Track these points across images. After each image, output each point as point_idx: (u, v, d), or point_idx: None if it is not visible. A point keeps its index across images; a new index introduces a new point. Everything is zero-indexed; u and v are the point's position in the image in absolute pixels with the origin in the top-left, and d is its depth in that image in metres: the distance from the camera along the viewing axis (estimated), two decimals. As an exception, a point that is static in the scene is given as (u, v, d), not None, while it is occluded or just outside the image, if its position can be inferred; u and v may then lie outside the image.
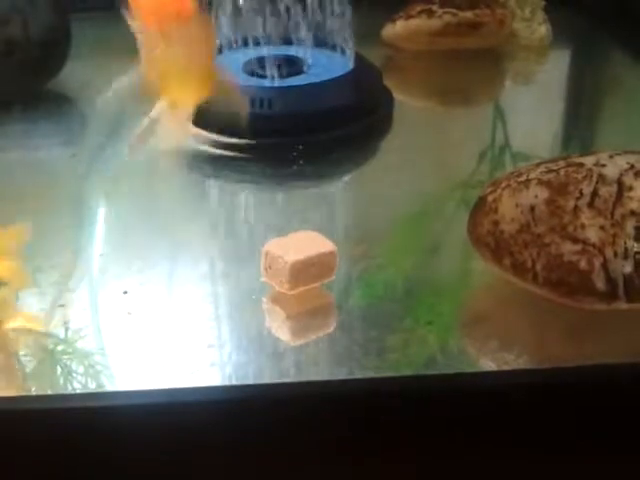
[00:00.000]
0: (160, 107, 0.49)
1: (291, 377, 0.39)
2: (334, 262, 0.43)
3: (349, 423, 0.36)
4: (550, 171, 0.41)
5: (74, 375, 0.39)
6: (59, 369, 0.40)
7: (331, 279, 0.43)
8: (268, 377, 0.39)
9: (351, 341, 0.41)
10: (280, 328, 0.42)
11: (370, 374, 0.39)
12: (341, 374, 0.39)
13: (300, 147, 0.58)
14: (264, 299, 0.43)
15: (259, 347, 0.41)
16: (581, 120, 0.69)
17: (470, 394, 0.36)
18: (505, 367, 0.40)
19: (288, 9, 0.60)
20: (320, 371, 0.40)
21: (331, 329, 0.42)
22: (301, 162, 0.57)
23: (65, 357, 0.40)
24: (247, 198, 0.55)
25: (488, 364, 0.41)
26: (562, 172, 0.41)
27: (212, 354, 0.40)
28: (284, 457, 0.36)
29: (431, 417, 0.36)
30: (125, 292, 0.44)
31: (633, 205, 0.39)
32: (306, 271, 0.42)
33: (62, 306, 0.43)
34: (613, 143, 0.62)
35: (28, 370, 0.40)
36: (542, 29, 0.77)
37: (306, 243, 0.43)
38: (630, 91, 0.72)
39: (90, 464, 0.35)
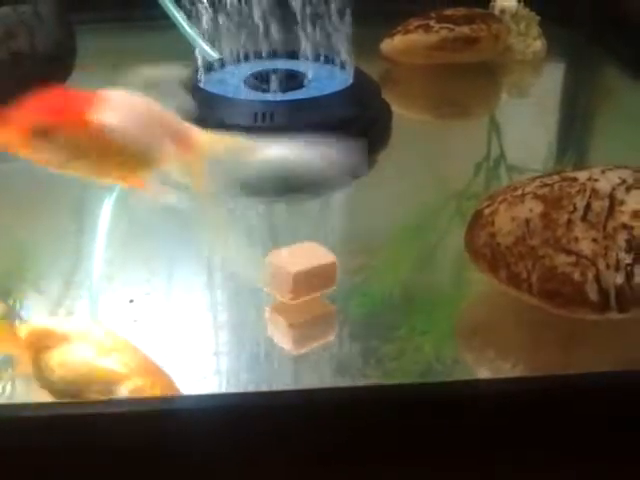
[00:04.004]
0: None
1: (293, 385, 0.40)
2: (334, 273, 0.44)
3: (348, 430, 0.36)
4: (545, 185, 0.42)
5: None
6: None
7: (331, 289, 0.44)
8: (270, 385, 0.40)
9: (350, 350, 0.42)
10: (282, 337, 0.43)
11: (369, 382, 0.40)
12: (341, 382, 0.40)
13: (301, 159, 0.58)
14: (267, 308, 0.44)
15: (262, 355, 0.42)
16: (575, 133, 0.70)
17: (466, 402, 0.37)
18: (500, 376, 0.41)
19: (289, 24, 0.61)
20: (321, 379, 0.40)
21: (331, 338, 0.43)
22: (302, 174, 0.58)
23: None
24: (249, 209, 0.56)
25: (484, 372, 0.42)
26: (556, 187, 0.42)
27: (216, 362, 0.41)
28: (285, 464, 0.37)
29: (428, 425, 0.37)
30: (131, 301, 0.45)
31: (624, 218, 0.40)
32: (308, 281, 0.43)
33: (70, 314, 0.44)
34: (606, 155, 0.63)
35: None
36: (537, 44, 0.78)
37: (307, 254, 0.44)
38: (623, 104, 0.73)
39: (92, 471, 0.36)
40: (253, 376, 0.40)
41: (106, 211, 0.55)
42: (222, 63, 0.64)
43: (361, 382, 0.40)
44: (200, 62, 0.63)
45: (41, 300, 0.45)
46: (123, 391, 0.35)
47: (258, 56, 0.63)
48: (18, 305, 0.45)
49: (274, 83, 0.61)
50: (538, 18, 0.79)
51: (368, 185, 0.60)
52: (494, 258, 0.42)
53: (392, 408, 0.36)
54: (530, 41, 0.78)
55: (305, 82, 0.63)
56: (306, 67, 0.63)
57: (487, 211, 0.43)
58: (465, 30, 0.74)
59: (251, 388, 0.40)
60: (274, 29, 0.61)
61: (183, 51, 0.68)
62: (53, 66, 0.66)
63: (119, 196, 0.57)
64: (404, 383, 0.40)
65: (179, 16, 0.72)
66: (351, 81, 0.62)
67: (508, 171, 0.60)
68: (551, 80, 0.79)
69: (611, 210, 0.40)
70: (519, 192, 0.43)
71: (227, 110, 0.59)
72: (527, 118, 0.71)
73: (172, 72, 0.42)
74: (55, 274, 0.47)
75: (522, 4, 0.79)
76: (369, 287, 0.47)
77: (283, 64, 0.64)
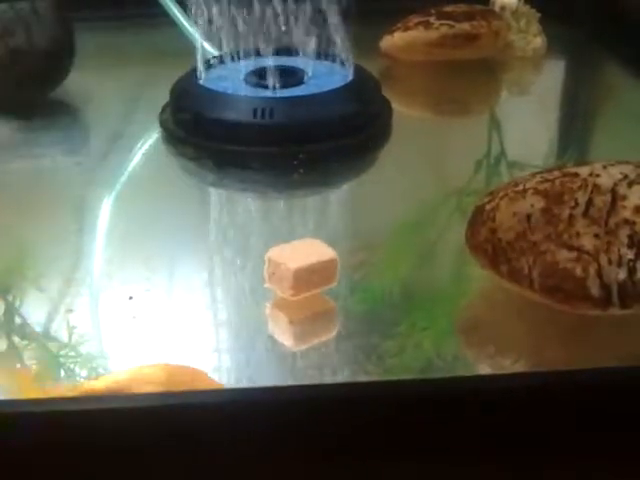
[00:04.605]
0: None
1: (293, 381, 0.40)
2: (335, 269, 0.44)
3: (349, 426, 0.36)
4: (546, 181, 0.42)
5: (78, 379, 0.40)
6: (62, 372, 0.41)
7: (332, 285, 0.44)
8: (271, 381, 0.40)
9: (351, 346, 0.42)
10: (283, 333, 0.43)
11: (369, 378, 0.40)
12: (342, 378, 0.40)
13: (301, 156, 0.58)
14: (267, 305, 0.44)
15: (263, 351, 0.41)
16: (575, 130, 0.70)
17: (467, 398, 0.37)
18: (501, 371, 0.40)
19: (289, 21, 0.61)
20: (322, 375, 0.40)
21: (332, 334, 0.43)
22: (302, 171, 0.58)
23: (69, 361, 0.41)
24: (249, 206, 0.56)
25: (484, 369, 0.41)
26: (557, 182, 0.42)
27: (217, 359, 0.41)
28: (285, 460, 0.37)
29: (429, 421, 0.37)
30: (130, 297, 0.45)
31: (626, 214, 0.40)
32: (308, 278, 0.43)
33: (70, 311, 0.44)
34: (607, 152, 0.63)
35: (32, 373, 0.40)
36: (537, 40, 0.78)
37: (308, 250, 0.44)
38: (623, 101, 0.73)
39: (92, 467, 0.36)
40: (253, 372, 0.40)
41: (106, 210, 0.55)
42: (222, 60, 0.64)
43: (362, 378, 0.40)
44: (199, 59, 0.63)
45: (41, 297, 0.45)
46: None
47: (258, 53, 0.63)
48: (18, 302, 0.45)
49: (274, 80, 0.61)
50: (538, 15, 0.79)
51: (368, 182, 0.60)
52: (495, 254, 0.42)
53: (393, 404, 0.36)
54: (530, 38, 0.78)
55: (305, 79, 0.63)
56: (306, 64, 0.63)
57: (488, 207, 0.43)
58: (465, 27, 0.73)
59: (251, 384, 0.40)
60: (274, 25, 0.61)
61: (182, 48, 0.68)
62: (51, 63, 0.66)
63: (119, 195, 0.57)
64: (405, 379, 0.40)
65: (178, 13, 0.72)
66: (351, 78, 0.62)
67: (509, 168, 0.60)
68: (551, 77, 0.79)
69: (613, 205, 0.40)
70: (520, 188, 0.43)
71: (227, 107, 0.59)
72: (527, 115, 0.71)
73: None
74: (55, 272, 0.47)
75: (522, 1, 0.79)
76: (370, 283, 0.47)
77: (283, 61, 0.64)
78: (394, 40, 0.75)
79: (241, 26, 0.61)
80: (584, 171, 0.42)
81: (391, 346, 0.41)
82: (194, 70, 0.63)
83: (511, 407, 0.36)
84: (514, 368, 0.41)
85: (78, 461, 0.35)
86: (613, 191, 0.40)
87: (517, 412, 0.36)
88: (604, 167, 0.42)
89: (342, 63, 0.63)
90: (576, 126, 0.70)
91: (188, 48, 0.66)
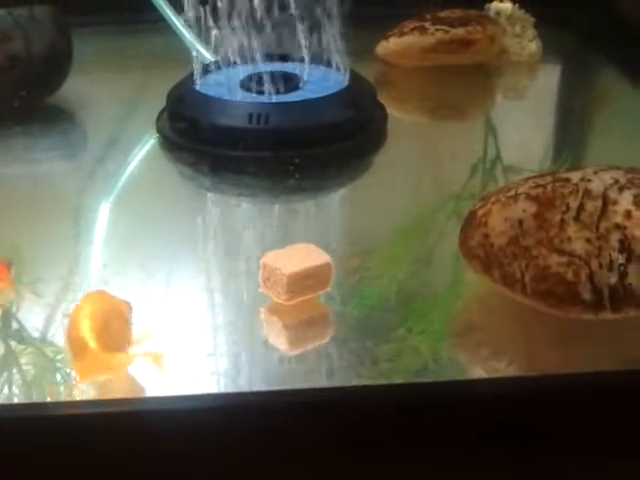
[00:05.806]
0: None
1: (288, 385, 0.40)
2: (330, 274, 0.44)
3: (343, 430, 0.37)
4: (538, 186, 0.42)
5: (74, 383, 0.40)
6: (59, 377, 0.41)
7: (327, 290, 0.44)
8: (266, 385, 0.40)
9: (346, 350, 0.42)
10: (278, 338, 0.43)
11: (364, 382, 0.40)
12: (337, 382, 0.40)
13: (297, 161, 0.59)
14: (262, 309, 0.44)
15: (257, 356, 0.42)
16: (570, 134, 0.70)
17: (461, 402, 0.37)
18: (495, 375, 0.41)
19: (285, 27, 0.62)
20: (316, 379, 0.41)
21: (327, 339, 0.43)
22: (297, 176, 0.58)
23: (66, 366, 0.41)
24: (245, 211, 0.56)
25: (478, 372, 0.42)
26: (549, 187, 0.42)
27: (212, 363, 0.41)
28: (279, 464, 0.37)
29: (423, 424, 0.37)
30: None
31: (617, 219, 0.40)
32: (303, 283, 0.43)
33: (67, 316, 0.44)
34: (602, 156, 0.63)
35: (29, 378, 0.41)
36: (532, 45, 0.79)
37: (303, 255, 0.44)
38: (618, 105, 0.73)
39: (88, 469, 0.36)
40: (248, 376, 0.41)
41: (103, 214, 0.55)
42: (218, 65, 0.64)
43: (356, 382, 0.40)
44: (196, 65, 0.63)
45: (38, 302, 0.46)
46: None
47: (254, 58, 0.64)
48: (15, 307, 0.45)
49: (270, 85, 0.61)
50: (533, 20, 0.79)
51: (364, 187, 0.60)
52: (488, 259, 0.42)
53: (387, 407, 0.37)
54: (525, 43, 0.79)
55: (300, 84, 0.63)
56: (301, 69, 0.64)
57: (480, 212, 0.43)
58: (460, 32, 0.74)
59: (246, 388, 0.40)
60: (270, 31, 0.62)
61: (179, 54, 0.68)
62: (49, 69, 0.67)
63: (116, 200, 0.58)
64: (399, 383, 0.40)
65: (175, 19, 0.72)
66: (346, 83, 0.63)
67: (504, 172, 0.60)
68: (547, 82, 0.79)
69: (604, 210, 0.40)
70: (512, 193, 0.43)
71: (223, 112, 0.60)
72: (523, 119, 0.71)
73: None
74: (52, 277, 0.48)
75: (517, 6, 0.80)
76: (365, 288, 0.47)
77: (278, 66, 0.64)
78: (389, 45, 0.75)
79: (237, 32, 0.62)
80: (576, 176, 0.42)
81: (386, 350, 0.42)
82: (190, 76, 0.63)
83: (505, 409, 0.37)
84: (508, 371, 0.41)
85: (72, 465, 0.35)
86: (604, 196, 0.41)
87: (511, 414, 0.37)
88: (595, 172, 0.42)
89: (338, 68, 0.63)
90: (571, 130, 0.70)
91: (185, 53, 0.67)
